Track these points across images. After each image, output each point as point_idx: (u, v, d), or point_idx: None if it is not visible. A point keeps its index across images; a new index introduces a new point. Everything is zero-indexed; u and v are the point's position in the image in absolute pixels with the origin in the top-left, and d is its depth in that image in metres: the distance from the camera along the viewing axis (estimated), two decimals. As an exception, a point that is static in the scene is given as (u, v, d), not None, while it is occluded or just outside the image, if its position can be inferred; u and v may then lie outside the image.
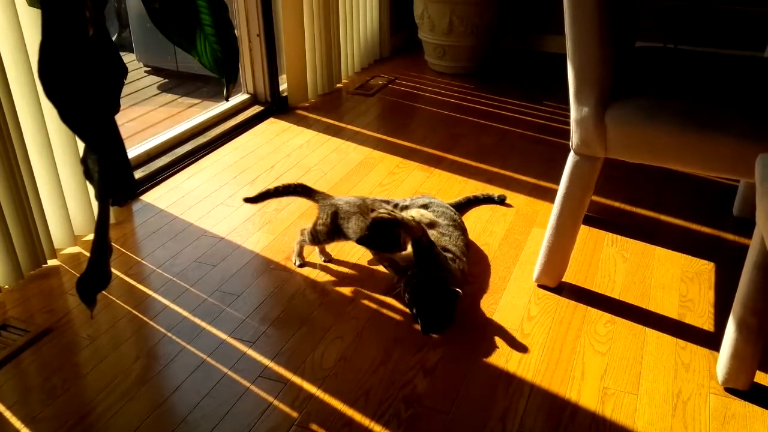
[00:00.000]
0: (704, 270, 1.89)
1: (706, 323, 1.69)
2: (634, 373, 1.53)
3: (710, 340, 1.62)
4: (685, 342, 1.62)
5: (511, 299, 1.78)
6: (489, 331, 1.66)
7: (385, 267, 1.84)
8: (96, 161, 0.98)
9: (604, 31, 1.52)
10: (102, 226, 1.00)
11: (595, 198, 2.25)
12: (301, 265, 1.91)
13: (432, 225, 1.88)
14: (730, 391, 1.48)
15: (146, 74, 3.87)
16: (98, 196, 0.99)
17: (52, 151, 1.87)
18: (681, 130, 1.54)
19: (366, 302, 1.77)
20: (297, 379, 1.52)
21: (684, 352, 1.59)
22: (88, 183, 1.49)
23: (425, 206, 1.98)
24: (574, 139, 1.66)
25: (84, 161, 0.99)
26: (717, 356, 1.55)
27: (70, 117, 0.92)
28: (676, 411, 1.43)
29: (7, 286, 1.81)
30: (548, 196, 2.27)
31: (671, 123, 1.55)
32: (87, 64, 0.94)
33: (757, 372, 1.51)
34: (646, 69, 1.81)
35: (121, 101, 1.02)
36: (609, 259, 1.94)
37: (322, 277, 1.87)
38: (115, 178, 0.98)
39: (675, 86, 1.69)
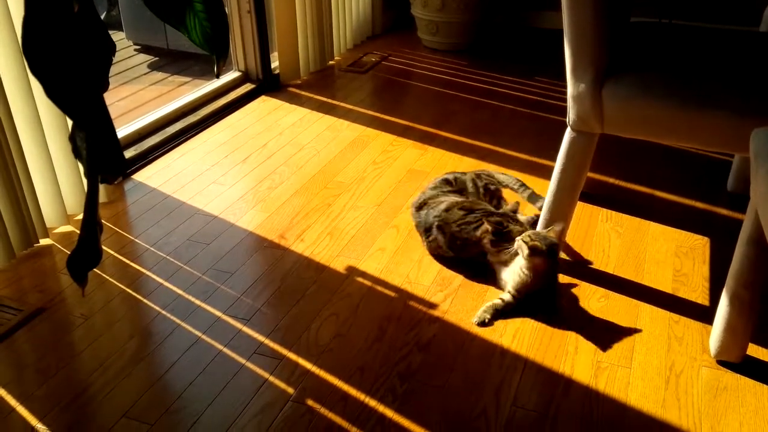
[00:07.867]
0: (698, 245, 1.89)
1: (700, 297, 1.69)
2: (628, 347, 1.54)
3: (703, 314, 1.63)
4: (679, 316, 1.63)
5: (506, 275, 1.77)
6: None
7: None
8: (84, 138, 0.97)
9: (600, 6, 1.51)
10: (91, 203, 0.99)
11: (589, 174, 2.24)
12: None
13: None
14: (723, 363, 1.49)
15: (136, 53, 3.83)
16: (87, 174, 0.98)
17: (42, 128, 1.85)
18: (678, 106, 1.53)
19: (360, 279, 1.77)
20: (292, 356, 1.52)
21: (677, 326, 1.60)
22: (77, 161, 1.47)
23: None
24: (571, 115, 1.65)
25: (72, 138, 0.98)
26: (710, 330, 1.56)
27: (55, 93, 0.91)
28: (669, 384, 1.44)
29: (-1, 266, 1.80)
30: (542, 172, 2.26)
31: (668, 98, 1.54)
32: (72, 40, 0.93)
33: (749, 345, 1.52)
34: (643, 44, 1.79)
35: (111, 80, 1.01)
36: (603, 235, 1.94)
37: (317, 255, 1.87)
38: (104, 155, 0.97)
39: (671, 62, 1.68)
